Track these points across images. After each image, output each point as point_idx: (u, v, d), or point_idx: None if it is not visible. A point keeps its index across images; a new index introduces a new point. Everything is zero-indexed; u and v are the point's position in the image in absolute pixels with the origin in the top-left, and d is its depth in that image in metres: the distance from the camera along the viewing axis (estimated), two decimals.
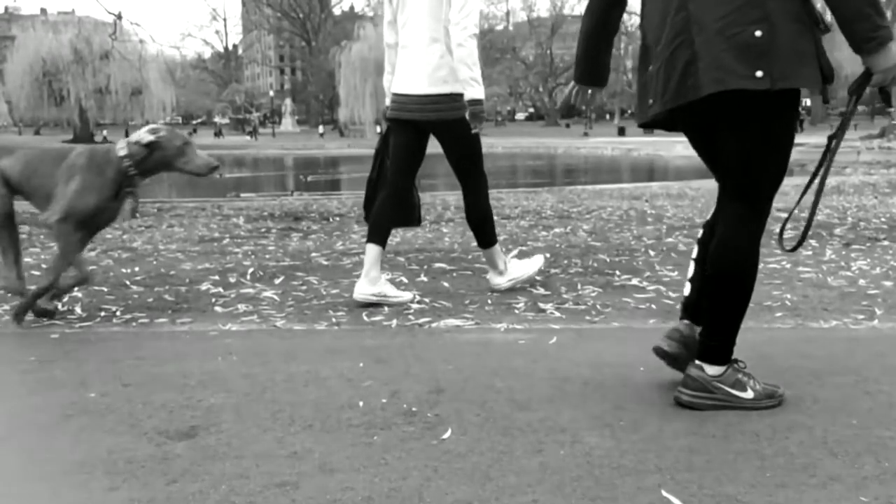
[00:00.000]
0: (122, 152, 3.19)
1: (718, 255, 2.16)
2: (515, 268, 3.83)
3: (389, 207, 3.66)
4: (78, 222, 3.19)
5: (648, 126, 2.26)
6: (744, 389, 2.15)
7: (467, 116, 3.44)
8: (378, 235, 3.61)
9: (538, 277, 4.00)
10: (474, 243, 5.30)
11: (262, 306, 3.54)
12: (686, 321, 2.34)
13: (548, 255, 4.77)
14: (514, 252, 3.96)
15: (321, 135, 55.79)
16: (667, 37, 2.04)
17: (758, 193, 2.12)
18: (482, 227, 3.75)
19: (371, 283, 3.54)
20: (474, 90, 3.40)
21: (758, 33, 1.93)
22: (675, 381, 2.38)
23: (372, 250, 3.57)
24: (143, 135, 3.18)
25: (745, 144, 2.06)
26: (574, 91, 2.43)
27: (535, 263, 3.88)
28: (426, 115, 3.52)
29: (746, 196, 2.12)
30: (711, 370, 2.15)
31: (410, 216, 3.84)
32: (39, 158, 3.29)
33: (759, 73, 1.93)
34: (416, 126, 3.59)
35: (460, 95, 3.45)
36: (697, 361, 2.18)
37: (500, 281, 3.79)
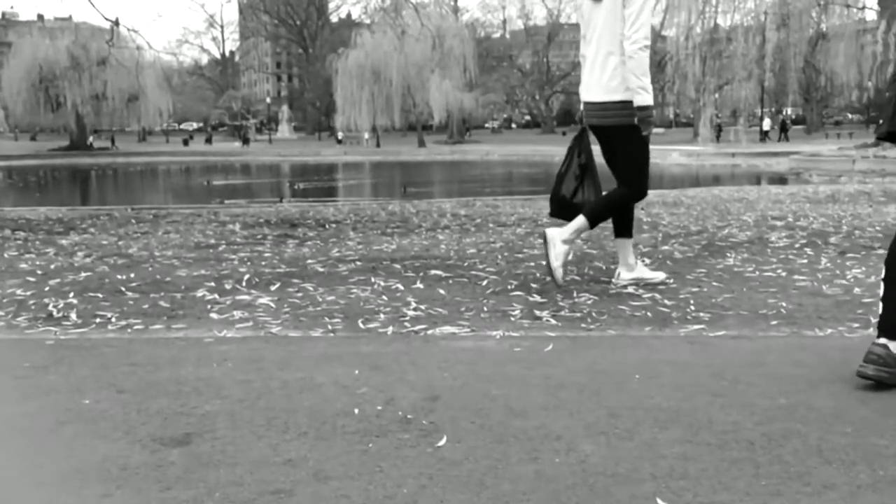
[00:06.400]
0: None
1: None
2: (643, 270, 4.15)
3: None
4: None
5: (884, 140, 2.52)
6: None
7: (636, 122, 3.77)
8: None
9: (534, 285, 4.01)
10: (470, 250, 5.34)
11: (257, 313, 3.54)
12: (883, 340, 2.39)
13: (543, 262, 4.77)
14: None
15: (339, 141, 54.83)
16: (892, 74, 2.40)
17: None
18: (622, 218, 4.12)
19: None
20: (642, 97, 3.74)
21: None
22: (670, 388, 2.38)
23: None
24: None
25: None
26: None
27: (658, 276, 4.17)
28: (601, 121, 3.92)
29: None
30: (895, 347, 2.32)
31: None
32: None
33: None
34: (599, 130, 4.00)
35: (630, 103, 3.77)
36: (882, 340, 2.33)
37: (626, 276, 4.05)
